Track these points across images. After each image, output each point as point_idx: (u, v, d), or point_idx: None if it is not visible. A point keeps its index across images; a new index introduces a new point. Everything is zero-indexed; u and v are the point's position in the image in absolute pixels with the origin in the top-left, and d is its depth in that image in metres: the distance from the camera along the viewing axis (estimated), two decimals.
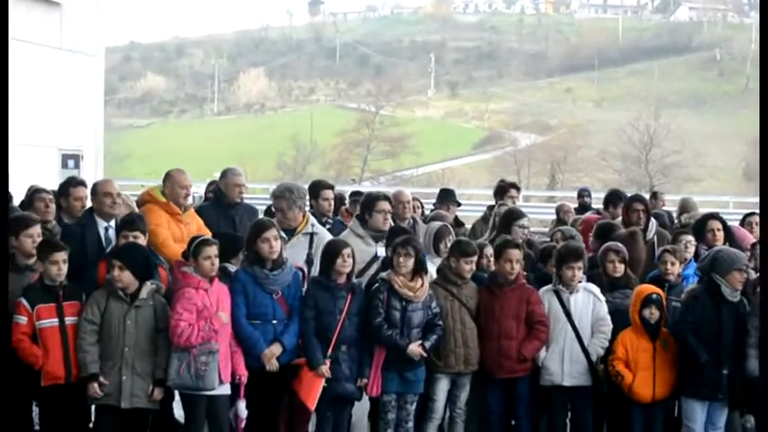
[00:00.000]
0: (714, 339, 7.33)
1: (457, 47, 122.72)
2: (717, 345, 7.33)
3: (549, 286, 7.63)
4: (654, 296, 7.38)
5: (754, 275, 7.74)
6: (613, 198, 10.41)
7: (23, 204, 8.89)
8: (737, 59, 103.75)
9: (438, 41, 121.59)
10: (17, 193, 9.39)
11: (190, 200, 8.39)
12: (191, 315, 6.64)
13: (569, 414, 7.64)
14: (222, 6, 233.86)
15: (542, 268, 8.11)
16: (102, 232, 7.67)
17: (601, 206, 11.01)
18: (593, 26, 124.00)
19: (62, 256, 6.80)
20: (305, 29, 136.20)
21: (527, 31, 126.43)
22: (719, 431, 7.50)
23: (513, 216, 8.90)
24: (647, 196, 10.96)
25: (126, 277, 6.71)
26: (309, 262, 7.66)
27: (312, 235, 7.83)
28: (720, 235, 8.90)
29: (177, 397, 7.13)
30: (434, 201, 11.26)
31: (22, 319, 6.70)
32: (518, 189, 11.15)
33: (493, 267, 7.71)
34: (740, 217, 10.60)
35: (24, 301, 6.72)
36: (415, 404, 7.37)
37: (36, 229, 7.12)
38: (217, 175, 9.79)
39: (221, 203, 8.92)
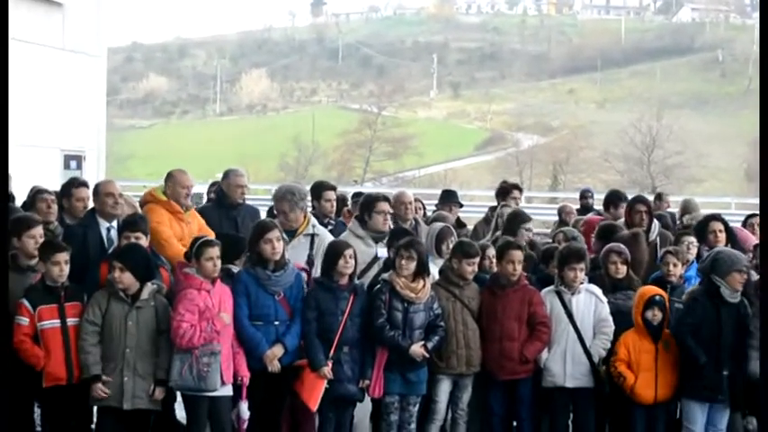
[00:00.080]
0: (714, 341, 7.32)
1: (459, 48, 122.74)
2: (716, 346, 7.31)
3: (551, 287, 7.62)
4: (657, 297, 7.37)
5: (755, 276, 7.72)
6: (614, 199, 10.37)
7: (26, 205, 8.88)
8: (740, 60, 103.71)
9: (440, 42, 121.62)
10: (19, 194, 9.40)
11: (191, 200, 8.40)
12: (193, 316, 6.63)
13: (571, 415, 7.63)
14: (225, 7, 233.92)
15: (544, 269, 8.10)
16: (104, 233, 7.65)
17: (602, 207, 10.98)
18: (596, 27, 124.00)
19: (64, 256, 6.79)
20: (307, 30, 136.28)
21: (530, 32, 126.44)
22: None
23: (520, 219, 8.88)
24: (650, 197, 10.91)
25: (127, 278, 6.70)
26: (310, 263, 7.64)
27: (313, 236, 7.81)
28: (722, 236, 8.88)
29: (179, 398, 7.13)
30: (436, 202, 11.24)
31: (24, 320, 6.69)
32: (520, 190, 11.17)
33: (495, 268, 7.70)
34: (742, 218, 10.57)
35: (26, 302, 6.71)
36: (417, 405, 7.36)
37: (38, 230, 7.10)
38: (219, 176, 9.81)
39: (223, 204, 8.93)
